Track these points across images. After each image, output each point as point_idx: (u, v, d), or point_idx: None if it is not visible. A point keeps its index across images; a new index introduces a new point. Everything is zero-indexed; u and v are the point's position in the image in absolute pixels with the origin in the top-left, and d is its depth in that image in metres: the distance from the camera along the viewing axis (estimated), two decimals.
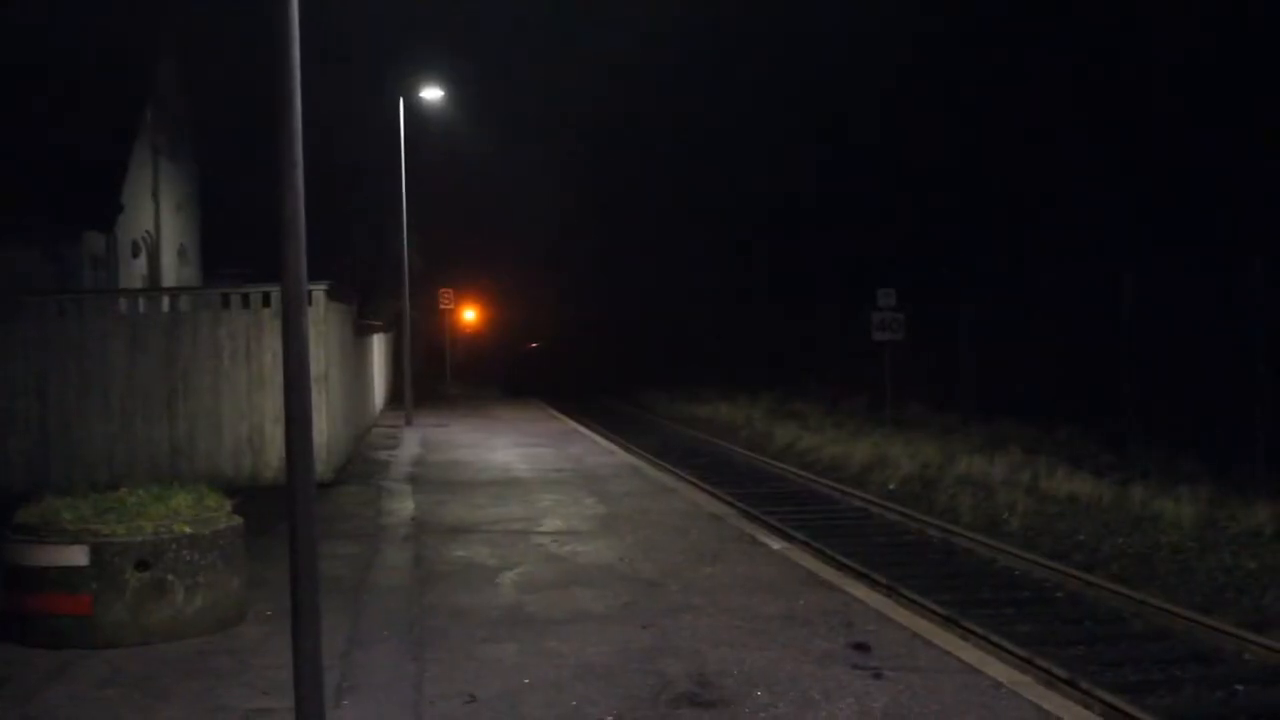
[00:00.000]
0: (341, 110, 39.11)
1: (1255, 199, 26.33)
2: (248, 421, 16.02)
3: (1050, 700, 7.10)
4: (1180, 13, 28.77)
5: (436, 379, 42.81)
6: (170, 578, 8.20)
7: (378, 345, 30.77)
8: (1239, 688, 9.23)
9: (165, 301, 16.92)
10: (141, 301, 16.76)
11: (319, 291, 16.10)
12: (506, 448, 22.07)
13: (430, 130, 37.85)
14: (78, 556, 8.05)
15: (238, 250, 30.35)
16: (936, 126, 39.55)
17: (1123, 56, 31.61)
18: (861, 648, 7.99)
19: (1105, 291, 24.37)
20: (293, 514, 5.86)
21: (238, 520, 8.83)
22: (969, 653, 8.09)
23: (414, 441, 23.61)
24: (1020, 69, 34.43)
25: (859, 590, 10.03)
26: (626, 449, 23.42)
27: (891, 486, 19.77)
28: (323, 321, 16.18)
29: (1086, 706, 7.77)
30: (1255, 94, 27.49)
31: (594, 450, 21.71)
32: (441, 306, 41.28)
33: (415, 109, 29.13)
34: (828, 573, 10.83)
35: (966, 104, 37.92)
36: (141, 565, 8.12)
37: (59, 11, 23.17)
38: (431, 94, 28.68)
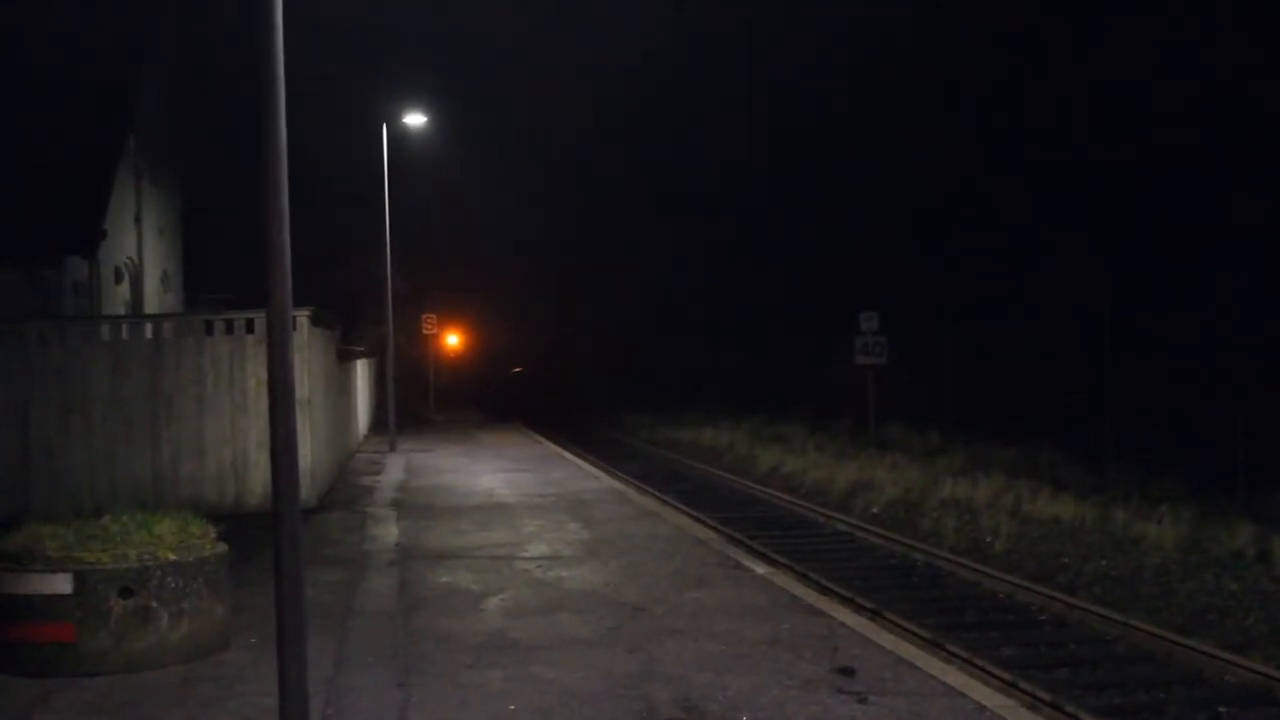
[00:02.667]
0: (327, 134, 39.20)
1: (1237, 220, 26.51)
2: (231, 447, 15.97)
3: None
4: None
5: (420, 404, 42.73)
6: (154, 605, 8.17)
7: (361, 371, 30.73)
8: (1222, 710, 9.27)
9: (148, 328, 16.89)
10: (124, 328, 16.71)
11: (303, 317, 16.09)
12: (490, 473, 22.04)
13: (415, 155, 37.92)
14: (61, 584, 8.01)
15: (221, 275, 30.33)
16: (918, 151, 39.79)
17: (1104, 78, 31.87)
18: (846, 672, 8.00)
19: (1086, 314, 24.50)
20: (278, 540, 5.86)
21: (222, 547, 8.80)
22: (954, 676, 8.10)
23: (398, 467, 23.56)
24: (1005, 92, 34.68)
25: (844, 614, 10.04)
26: (610, 474, 23.41)
27: (875, 510, 19.80)
28: (306, 347, 16.16)
29: None
30: (1242, 117, 27.73)
31: (578, 475, 21.69)
32: (425, 332, 41.24)
33: (400, 134, 29.17)
34: (812, 597, 10.84)
35: (949, 128, 38.16)
36: (125, 593, 8.09)
37: (42, 37, 23.15)
38: (415, 120, 28.72)
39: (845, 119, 42.96)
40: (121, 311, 23.08)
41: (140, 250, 25.51)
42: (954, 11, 37.03)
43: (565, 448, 29.03)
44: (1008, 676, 9.73)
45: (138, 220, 25.26)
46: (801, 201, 46.75)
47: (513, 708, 7.28)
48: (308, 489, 15.48)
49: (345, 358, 24.73)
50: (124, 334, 16.47)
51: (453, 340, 58.00)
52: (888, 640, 9.07)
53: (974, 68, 35.77)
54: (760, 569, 12.19)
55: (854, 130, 42.63)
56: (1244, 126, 27.52)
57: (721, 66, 57.95)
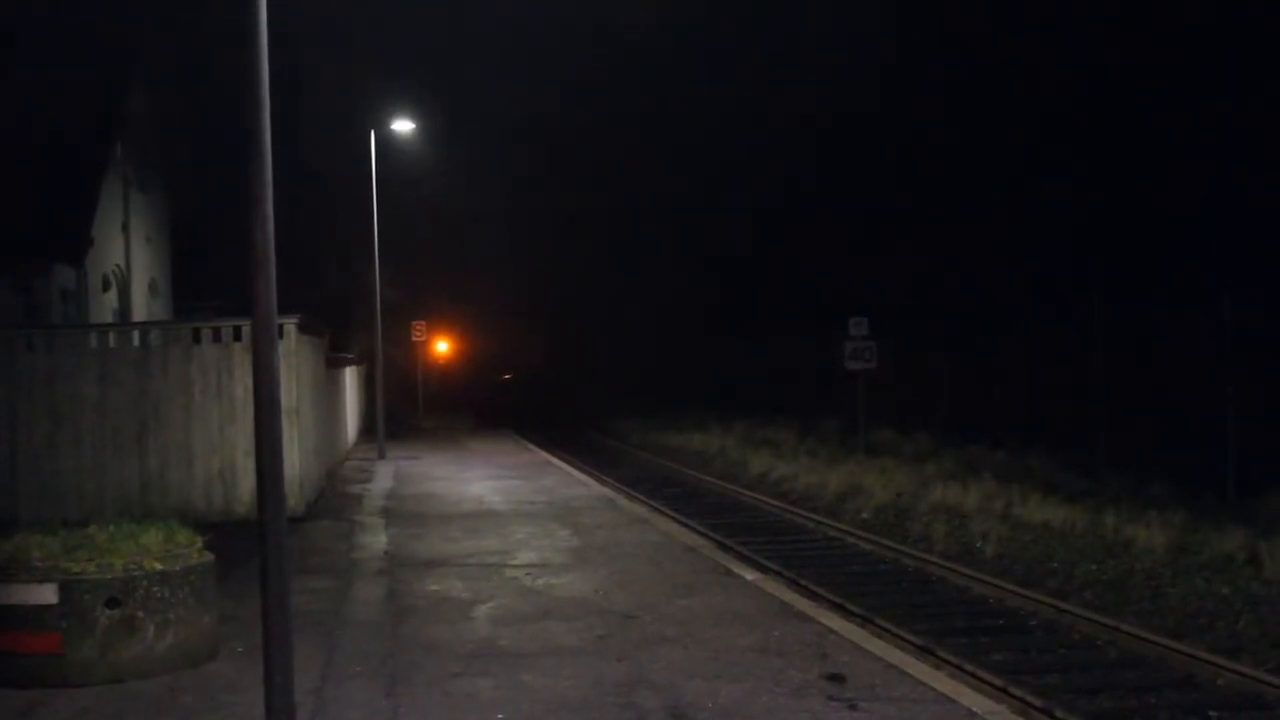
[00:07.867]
0: (313, 140, 39.15)
1: (1226, 232, 26.60)
2: (219, 455, 15.91)
3: None
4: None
5: (409, 411, 42.65)
6: (140, 615, 8.12)
7: (350, 378, 30.65)
8: (1214, 714, 9.26)
9: (136, 336, 16.81)
10: (112, 336, 16.65)
11: (290, 325, 16.03)
12: (480, 480, 21.99)
13: (402, 160, 37.90)
14: (47, 594, 7.95)
15: (209, 283, 30.26)
16: (912, 157, 39.87)
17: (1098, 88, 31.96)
18: (836, 679, 7.97)
19: (1077, 321, 24.55)
20: (264, 549, 5.83)
21: (209, 556, 8.75)
22: (944, 682, 8.08)
23: (387, 474, 23.50)
24: (998, 101, 34.76)
25: (834, 621, 10.02)
26: (600, 480, 23.37)
27: (865, 515, 19.78)
28: (294, 354, 16.10)
29: None
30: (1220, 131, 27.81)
31: (567, 482, 21.65)
32: (414, 339, 41.16)
33: (387, 141, 29.12)
34: (802, 604, 10.81)
35: (943, 138, 38.27)
36: (111, 603, 8.03)
37: (29, 44, 23.09)
38: (403, 126, 28.68)
39: (830, 115, 43.05)
40: (109, 319, 23.01)
41: (128, 258, 25.44)
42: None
43: (554, 454, 28.99)
44: (998, 682, 9.71)
45: (125, 228, 25.19)
46: (793, 202, 46.83)
47: (501, 716, 7.24)
48: (295, 497, 15.44)
49: (334, 365, 24.67)
50: (111, 342, 16.40)
51: (442, 347, 57.94)
52: (877, 646, 9.05)
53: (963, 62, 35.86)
54: (750, 575, 12.17)
55: (845, 129, 42.73)
56: (1236, 133, 27.60)
57: (708, 64, 58.04)
